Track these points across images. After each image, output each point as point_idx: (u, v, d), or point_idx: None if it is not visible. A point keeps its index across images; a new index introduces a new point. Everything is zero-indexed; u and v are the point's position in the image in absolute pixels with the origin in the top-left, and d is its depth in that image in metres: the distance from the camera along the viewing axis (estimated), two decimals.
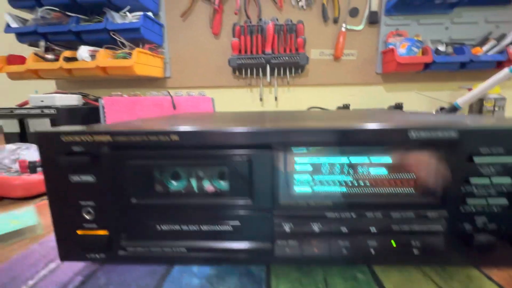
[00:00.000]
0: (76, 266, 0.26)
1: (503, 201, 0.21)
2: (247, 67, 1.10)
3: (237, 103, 1.19)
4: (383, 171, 0.22)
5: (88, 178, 0.22)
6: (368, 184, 0.22)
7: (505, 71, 0.54)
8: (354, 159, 0.22)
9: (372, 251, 0.22)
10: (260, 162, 0.21)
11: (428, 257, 0.22)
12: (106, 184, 0.22)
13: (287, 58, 1.06)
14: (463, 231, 0.22)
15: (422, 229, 0.22)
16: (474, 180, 0.20)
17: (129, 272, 0.24)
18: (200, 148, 0.21)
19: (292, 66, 1.10)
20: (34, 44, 0.98)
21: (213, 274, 0.24)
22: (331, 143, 0.21)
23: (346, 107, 1.10)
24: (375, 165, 0.22)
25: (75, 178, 0.22)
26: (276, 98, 1.17)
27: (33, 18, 0.96)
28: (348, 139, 0.21)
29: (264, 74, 1.12)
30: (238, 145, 0.21)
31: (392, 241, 0.22)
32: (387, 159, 0.21)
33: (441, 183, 0.21)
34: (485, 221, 0.21)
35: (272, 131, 0.20)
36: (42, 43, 0.97)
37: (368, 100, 1.18)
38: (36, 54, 0.93)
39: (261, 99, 1.18)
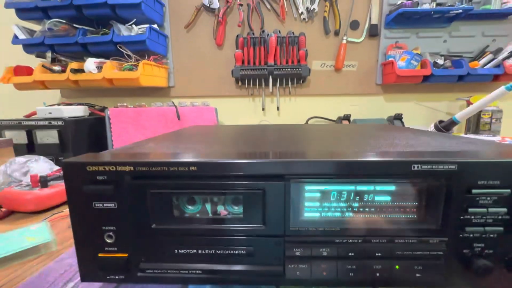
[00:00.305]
0: (94, 286, 0.27)
1: (499, 229, 0.22)
2: (250, 78, 1.12)
3: (239, 112, 1.21)
4: (387, 199, 0.23)
5: (111, 205, 0.23)
6: (373, 211, 0.23)
7: (501, 89, 0.56)
8: (361, 187, 0.23)
9: (377, 274, 0.24)
10: (273, 191, 0.23)
11: (430, 279, 0.23)
12: (127, 210, 0.23)
13: (289, 69, 1.08)
14: (462, 256, 0.23)
15: (424, 254, 0.23)
16: (472, 210, 0.22)
17: None
18: (217, 178, 0.23)
19: (294, 77, 1.12)
20: (41, 55, 1.00)
21: None
22: (340, 174, 0.22)
23: (346, 117, 1.11)
24: (380, 193, 0.23)
25: (98, 204, 0.23)
26: (278, 108, 1.19)
27: (41, 30, 0.98)
28: (355, 170, 0.22)
29: (267, 84, 1.14)
30: (253, 175, 0.22)
31: (396, 265, 0.23)
32: (391, 188, 0.23)
33: (442, 211, 0.22)
34: (482, 247, 0.23)
35: (285, 163, 0.22)
36: (49, 54, 0.99)
37: (368, 110, 1.20)
38: (43, 66, 0.95)
39: (263, 109, 1.19)
